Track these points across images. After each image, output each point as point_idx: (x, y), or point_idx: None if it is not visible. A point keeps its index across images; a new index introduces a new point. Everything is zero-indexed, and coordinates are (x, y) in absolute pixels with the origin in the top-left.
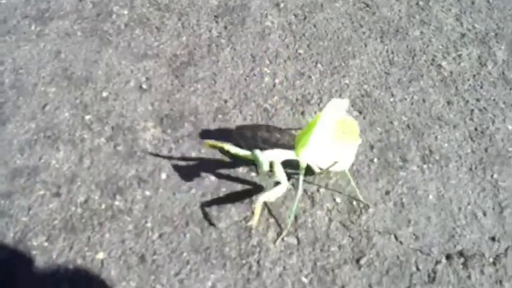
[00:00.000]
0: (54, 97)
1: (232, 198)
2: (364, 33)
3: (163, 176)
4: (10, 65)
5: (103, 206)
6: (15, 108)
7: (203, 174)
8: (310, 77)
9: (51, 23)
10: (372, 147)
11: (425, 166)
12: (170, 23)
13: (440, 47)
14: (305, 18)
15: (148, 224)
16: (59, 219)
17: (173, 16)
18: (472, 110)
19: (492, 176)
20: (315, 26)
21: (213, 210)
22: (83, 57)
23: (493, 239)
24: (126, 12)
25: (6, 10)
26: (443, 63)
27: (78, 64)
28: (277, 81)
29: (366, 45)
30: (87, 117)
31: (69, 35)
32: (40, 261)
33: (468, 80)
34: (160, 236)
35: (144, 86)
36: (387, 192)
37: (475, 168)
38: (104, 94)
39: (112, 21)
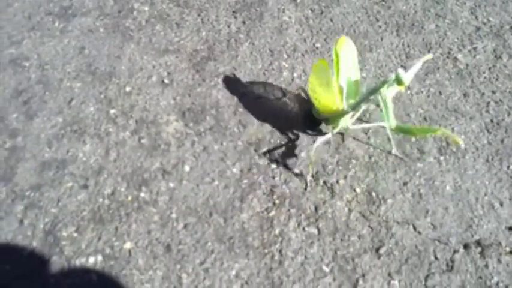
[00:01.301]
0: (79, 92)
1: (254, 189)
2: (380, 27)
3: (187, 168)
4: (36, 61)
5: (129, 198)
6: (42, 102)
7: (225, 166)
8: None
9: (74, 19)
10: (389, 139)
11: (442, 158)
12: (190, 18)
13: (456, 40)
14: (322, 13)
15: (173, 215)
16: (87, 211)
17: (192, 12)
18: (488, 102)
19: (509, 167)
20: (331, 20)
21: (236, 201)
22: (106, 52)
23: (510, 228)
24: (146, 8)
25: (30, 7)
26: (459, 56)
27: (101, 60)
28: (295, 75)
29: (382, 39)
30: (112, 111)
31: (92, 31)
32: (69, 251)
33: (484, 72)
34: (185, 226)
35: (166, 81)
36: (405, 183)
37: (492, 159)
38: (128, 89)
39: (133, 18)
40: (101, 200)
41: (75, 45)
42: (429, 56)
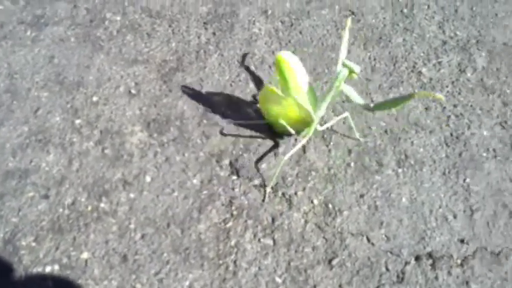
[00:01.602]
0: (46, 101)
1: (213, 201)
2: (348, 40)
3: (148, 179)
4: (5, 70)
5: (89, 208)
6: (9, 112)
7: (186, 177)
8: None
9: (46, 28)
10: (349, 151)
11: (400, 170)
12: (161, 29)
13: (422, 54)
14: (292, 25)
15: (132, 226)
16: (47, 221)
17: (164, 22)
18: (449, 116)
19: (465, 180)
20: (300, 32)
21: (194, 212)
22: (75, 62)
23: (462, 241)
24: (118, 18)
25: (3, 16)
26: (424, 70)
27: (70, 69)
28: (261, 87)
29: (349, 52)
30: (77, 121)
31: (63, 40)
32: (27, 260)
33: (447, 86)
34: (142, 236)
35: (133, 91)
36: (362, 196)
37: (448, 172)
38: (94, 99)
39: (105, 27)
40: (61, 210)
41: (45, 54)
42: (348, 22)
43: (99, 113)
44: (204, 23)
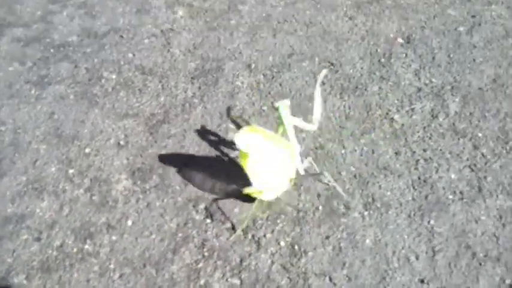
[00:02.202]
0: (44, 153)
1: (187, 242)
2: (325, 90)
3: (129, 222)
4: (11, 126)
5: (75, 250)
6: (11, 163)
7: (163, 221)
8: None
9: (49, 87)
10: (318, 195)
11: (366, 213)
12: (152, 85)
13: (396, 101)
14: (273, 78)
15: (112, 266)
16: (37, 261)
17: (155, 79)
18: (418, 160)
19: (429, 222)
20: (280, 84)
21: (169, 254)
22: (72, 117)
23: (422, 281)
24: (114, 76)
25: (12, 76)
26: (396, 117)
27: (68, 124)
28: None
29: (325, 101)
30: (71, 171)
31: (63, 98)
32: None
33: (418, 131)
34: (120, 276)
35: (121, 143)
36: (327, 237)
37: (414, 214)
38: (87, 150)
39: (101, 85)
40: (50, 251)
41: (46, 110)
42: (324, 72)
43: (90, 163)
44: (192, 78)
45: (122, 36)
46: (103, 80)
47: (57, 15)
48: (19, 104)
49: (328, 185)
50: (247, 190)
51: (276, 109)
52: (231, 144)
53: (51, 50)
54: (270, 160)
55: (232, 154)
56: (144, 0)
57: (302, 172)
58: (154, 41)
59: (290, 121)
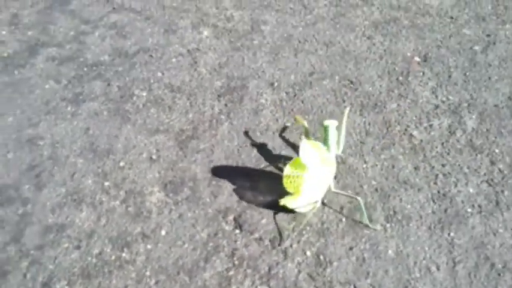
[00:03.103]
0: (81, 167)
1: (217, 252)
2: (345, 107)
3: (163, 232)
4: (49, 140)
5: (113, 257)
6: (51, 176)
7: (195, 231)
8: (294, 147)
9: (83, 104)
10: (342, 208)
11: (388, 225)
12: (180, 102)
13: (414, 118)
14: (295, 95)
15: (148, 273)
16: (78, 267)
17: (183, 96)
18: (437, 175)
19: (449, 234)
20: (302, 102)
21: (201, 262)
22: (106, 133)
23: None
24: (144, 94)
25: (48, 94)
26: (415, 133)
27: (102, 139)
28: (264, 151)
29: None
30: (106, 183)
31: (97, 114)
32: None
33: (436, 147)
34: (156, 282)
35: (153, 157)
36: (351, 248)
37: (434, 227)
38: (121, 164)
39: (132, 102)
40: (89, 258)
41: (82, 126)
42: (347, 110)
43: (125, 176)
44: (218, 95)
45: (151, 56)
46: (134, 97)
47: (89, 36)
48: (56, 120)
49: (351, 197)
50: (284, 202)
51: (325, 128)
52: (257, 159)
53: (85, 69)
54: (322, 177)
55: (259, 167)
56: (171, 21)
57: (333, 189)
58: (181, 60)
59: (334, 140)
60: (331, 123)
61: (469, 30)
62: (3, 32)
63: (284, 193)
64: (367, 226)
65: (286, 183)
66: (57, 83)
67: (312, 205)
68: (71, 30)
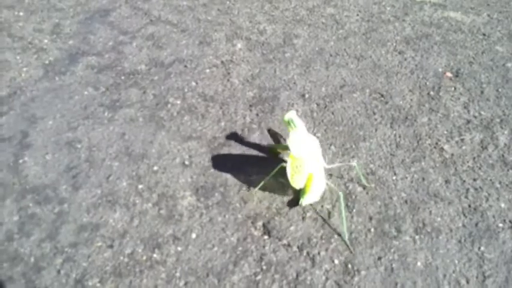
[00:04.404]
0: (116, 170)
1: (246, 256)
2: (376, 119)
3: (194, 235)
4: (86, 144)
5: (144, 258)
6: (87, 177)
7: (225, 235)
8: (323, 157)
9: (120, 110)
10: (370, 218)
11: (417, 237)
12: (213, 111)
13: (445, 132)
14: (325, 107)
15: (177, 274)
16: (110, 266)
17: (216, 105)
18: (468, 189)
19: (479, 248)
20: (333, 113)
21: (230, 265)
22: (141, 138)
23: None
24: (179, 102)
25: (87, 99)
26: (446, 147)
27: (137, 144)
28: None
29: (376, 130)
30: (140, 186)
31: (133, 120)
32: None
33: (468, 161)
34: (185, 284)
35: (186, 162)
36: (379, 258)
37: (464, 240)
38: (155, 168)
39: (167, 110)
40: (121, 258)
41: (118, 131)
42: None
43: (158, 180)
44: (250, 105)
45: (185, 66)
46: (169, 105)
47: (127, 46)
48: (93, 125)
49: (380, 208)
50: (305, 201)
51: (289, 121)
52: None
53: (122, 77)
54: (319, 164)
55: (287, 176)
56: (205, 33)
57: (327, 166)
58: (215, 71)
59: (303, 124)
60: (291, 115)
61: (502, 47)
62: (45, 41)
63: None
64: (364, 187)
65: (291, 178)
66: (95, 89)
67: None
68: (110, 40)
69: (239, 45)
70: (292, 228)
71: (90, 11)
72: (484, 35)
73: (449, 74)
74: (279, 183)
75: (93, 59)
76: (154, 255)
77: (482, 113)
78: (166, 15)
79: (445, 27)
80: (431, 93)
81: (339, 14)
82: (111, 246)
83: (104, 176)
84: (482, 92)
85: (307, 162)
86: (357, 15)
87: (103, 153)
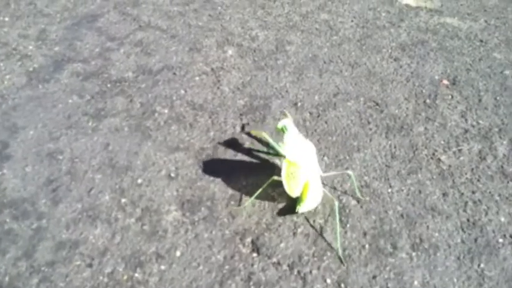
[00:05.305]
0: (99, 183)
1: (233, 275)
2: (370, 129)
3: (178, 253)
4: (68, 155)
5: (125, 277)
6: (68, 191)
7: (211, 253)
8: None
9: (105, 119)
10: (365, 234)
11: (414, 254)
12: (202, 120)
13: (442, 142)
14: (318, 116)
15: None
16: (89, 287)
17: (205, 114)
18: (466, 202)
19: (479, 265)
20: (326, 122)
21: (216, 286)
22: (126, 149)
23: None
24: (166, 111)
25: (71, 108)
26: (443, 157)
27: (122, 155)
28: None
29: (370, 140)
30: (123, 200)
31: (118, 130)
32: None
33: (466, 173)
34: None
35: (172, 175)
36: (374, 277)
37: (463, 257)
38: (139, 181)
39: (154, 119)
40: (101, 277)
41: (102, 142)
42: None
43: (142, 193)
44: (240, 114)
45: (174, 73)
46: (156, 114)
47: (115, 52)
48: (76, 135)
49: (375, 223)
50: (302, 209)
51: (283, 128)
52: (278, 180)
53: (108, 85)
54: (314, 168)
55: (278, 190)
56: (196, 39)
57: (323, 174)
58: (205, 79)
59: (296, 131)
60: (285, 122)
61: (500, 54)
62: (30, 47)
63: (300, 218)
64: (358, 200)
65: (287, 184)
66: (80, 98)
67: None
68: (97, 47)
69: (230, 52)
70: (282, 244)
71: (77, 17)
72: (481, 41)
73: (446, 82)
74: (270, 196)
75: (79, 66)
76: (136, 275)
77: (480, 122)
78: (156, 20)
79: (441, 34)
80: (428, 101)
81: (333, 20)
82: (90, 265)
83: (86, 189)
84: (480, 100)
85: (302, 168)
86: (352, 21)
87: (85, 165)
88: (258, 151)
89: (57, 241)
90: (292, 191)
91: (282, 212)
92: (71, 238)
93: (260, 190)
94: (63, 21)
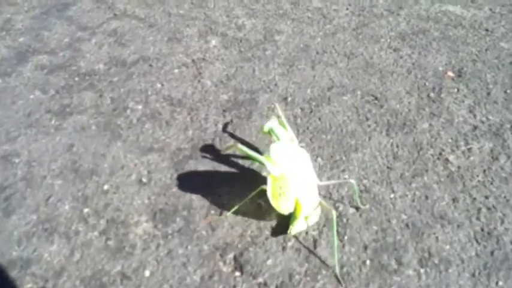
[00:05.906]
0: (58, 189)
1: None
2: (369, 126)
3: (147, 273)
4: (25, 158)
5: None
6: (22, 199)
7: (186, 272)
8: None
9: (70, 117)
10: (365, 247)
11: (422, 270)
12: (180, 117)
13: (450, 140)
14: (311, 112)
15: None
16: None
17: (183, 111)
18: (480, 209)
19: (497, 283)
20: (319, 119)
21: None
22: (92, 150)
23: None
24: (140, 107)
25: (32, 105)
26: (451, 158)
27: (87, 157)
28: None
29: (369, 139)
30: (86, 210)
31: (84, 129)
32: None
33: (477, 175)
34: None
35: (144, 180)
36: None
37: (479, 273)
38: (106, 187)
39: (126, 116)
40: None
41: (65, 142)
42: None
43: (108, 202)
44: (223, 110)
45: (151, 65)
46: (128, 111)
47: (86, 43)
48: (37, 135)
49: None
50: (294, 230)
51: (270, 131)
52: (264, 183)
53: (76, 79)
54: (300, 169)
55: (265, 197)
56: (176, 29)
57: (320, 182)
58: (184, 71)
59: (287, 136)
60: (272, 124)
61: (507, 44)
62: None
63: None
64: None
65: (275, 202)
66: (43, 93)
67: (316, 209)
68: (66, 37)
69: (213, 42)
70: (269, 262)
71: (47, 5)
72: (486, 30)
73: (450, 74)
74: (256, 204)
75: (45, 58)
76: None
77: (490, 117)
78: (133, 8)
79: (443, 22)
80: (432, 95)
81: (326, 7)
82: None
83: (43, 197)
84: (488, 94)
85: (292, 181)
86: (347, 9)
87: (44, 170)
88: (243, 151)
89: (7, 259)
90: (282, 208)
91: (270, 223)
92: (23, 256)
93: (245, 200)
94: (31, 10)
